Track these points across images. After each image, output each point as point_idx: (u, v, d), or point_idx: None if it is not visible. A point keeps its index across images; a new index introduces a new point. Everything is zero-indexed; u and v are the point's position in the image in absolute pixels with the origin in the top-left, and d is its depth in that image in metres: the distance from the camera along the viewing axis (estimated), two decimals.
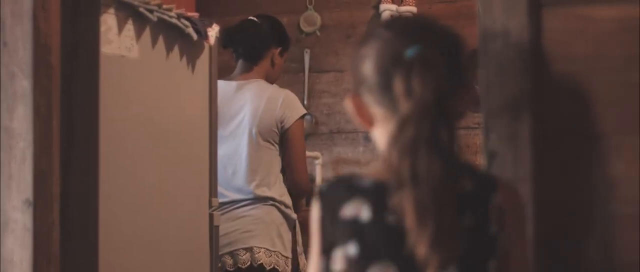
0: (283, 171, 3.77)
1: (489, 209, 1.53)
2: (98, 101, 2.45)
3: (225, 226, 3.53)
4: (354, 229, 1.56)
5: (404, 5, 4.85)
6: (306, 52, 5.18)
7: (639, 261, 1.66)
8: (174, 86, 2.83)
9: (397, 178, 1.50)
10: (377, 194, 1.56)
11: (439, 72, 1.52)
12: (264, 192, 3.64)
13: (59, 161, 2.29)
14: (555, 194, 1.72)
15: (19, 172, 2.20)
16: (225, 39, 3.46)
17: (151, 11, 2.64)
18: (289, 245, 3.66)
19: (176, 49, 2.83)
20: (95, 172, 2.44)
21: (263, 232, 3.62)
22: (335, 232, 1.58)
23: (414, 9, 4.86)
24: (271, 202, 3.66)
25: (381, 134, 1.62)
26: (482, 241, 1.53)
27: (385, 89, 1.57)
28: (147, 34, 2.68)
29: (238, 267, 3.60)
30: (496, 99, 1.75)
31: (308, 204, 3.94)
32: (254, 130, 3.65)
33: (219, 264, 3.37)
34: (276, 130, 3.67)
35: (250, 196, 3.66)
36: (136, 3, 2.61)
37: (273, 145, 3.70)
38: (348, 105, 1.65)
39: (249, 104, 3.70)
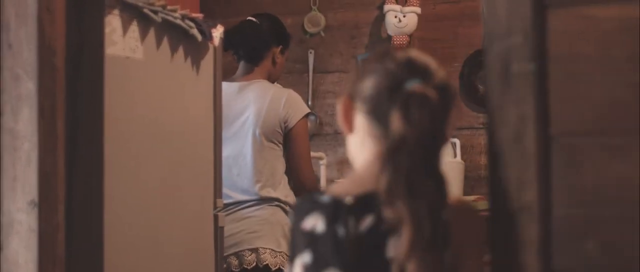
0: (288, 171, 3.77)
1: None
2: (103, 102, 2.45)
3: (230, 226, 3.53)
4: (310, 239, 1.74)
5: (408, 5, 4.85)
6: (310, 52, 5.18)
7: None
8: (178, 87, 2.84)
9: (388, 195, 1.65)
10: (332, 209, 1.74)
11: (434, 103, 1.69)
12: (269, 193, 3.64)
13: (64, 162, 2.29)
14: (561, 195, 1.72)
15: (23, 174, 2.20)
16: (225, 41, 3.46)
17: (156, 12, 2.64)
18: None
19: (181, 50, 2.83)
20: (100, 174, 2.44)
21: (268, 233, 3.62)
22: (299, 242, 1.77)
23: (418, 9, 4.86)
24: (276, 203, 3.66)
25: (358, 144, 1.83)
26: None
27: (380, 111, 1.75)
28: (151, 35, 2.68)
29: (243, 268, 3.60)
30: (500, 100, 1.75)
31: None
32: (257, 131, 3.65)
33: (224, 265, 3.37)
34: (280, 131, 3.67)
35: (256, 197, 3.66)
36: (141, 4, 2.61)
37: (277, 145, 3.70)
38: (340, 103, 1.84)
39: (252, 104, 3.70)
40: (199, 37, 2.85)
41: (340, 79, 5.14)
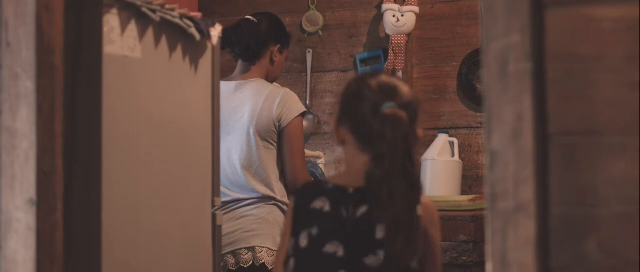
0: (282, 170, 3.78)
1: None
2: (101, 101, 2.45)
3: (227, 225, 3.54)
4: (318, 217, 2.28)
5: (406, 5, 4.85)
6: (308, 52, 5.19)
7: None
8: (176, 86, 2.84)
9: (376, 196, 2.19)
10: (336, 194, 2.28)
11: (405, 123, 2.19)
12: (266, 191, 3.65)
13: (63, 161, 2.30)
14: (558, 194, 1.72)
15: (22, 172, 2.20)
16: (222, 40, 3.47)
17: (154, 11, 2.65)
18: None
19: (179, 49, 2.83)
20: (98, 172, 2.44)
21: (265, 232, 3.63)
22: (306, 219, 2.29)
23: (416, 8, 4.86)
24: (273, 201, 3.67)
25: (349, 154, 2.34)
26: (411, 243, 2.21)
27: (363, 130, 2.26)
28: (150, 33, 2.69)
29: (240, 266, 3.61)
30: (498, 99, 1.76)
31: None
32: (252, 130, 3.66)
33: (221, 264, 3.37)
34: (274, 130, 3.68)
35: (252, 196, 3.67)
36: (139, 3, 2.61)
37: (272, 144, 3.71)
38: (332, 123, 2.37)
39: (248, 103, 3.71)
40: (198, 36, 2.86)
41: (339, 78, 5.15)
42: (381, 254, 2.21)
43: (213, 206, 3.02)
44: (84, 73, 2.42)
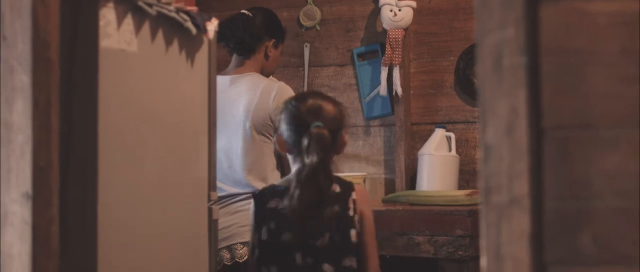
0: (278, 164, 3.78)
1: (349, 201, 2.91)
2: (97, 95, 2.46)
3: (222, 220, 3.54)
4: (274, 214, 2.91)
5: None
6: (306, 46, 5.19)
7: (638, 254, 1.66)
8: (173, 80, 2.84)
9: (302, 193, 2.80)
10: (286, 194, 2.86)
11: (327, 139, 2.83)
12: (262, 186, 3.65)
13: (58, 154, 2.30)
14: (553, 188, 1.72)
15: (17, 166, 2.21)
16: (217, 34, 3.47)
17: (150, 5, 2.65)
18: None
19: (175, 43, 2.83)
20: (94, 166, 2.44)
21: None
22: (265, 217, 2.92)
23: (413, 3, 4.86)
24: None
25: (291, 160, 2.98)
26: (344, 219, 2.87)
27: (296, 142, 2.88)
28: (146, 27, 2.69)
29: (236, 261, 3.61)
30: (492, 93, 1.76)
31: None
32: (248, 124, 3.66)
33: (217, 258, 3.38)
34: (270, 123, 3.69)
35: (248, 190, 3.67)
36: None
37: (268, 138, 3.71)
38: (276, 137, 3.00)
39: (243, 97, 3.71)
40: (194, 30, 2.85)
41: (336, 72, 5.15)
42: (327, 235, 2.85)
43: (209, 200, 3.02)
44: (80, 67, 2.42)
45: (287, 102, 2.96)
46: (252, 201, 3.01)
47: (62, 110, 2.33)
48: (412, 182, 4.88)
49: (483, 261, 1.78)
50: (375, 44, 5.05)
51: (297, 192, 2.78)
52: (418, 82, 4.99)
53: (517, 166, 1.73)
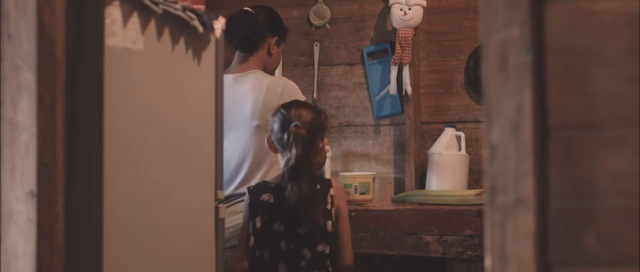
0: None
1: (327, 196, 3.42)
2: (102, 93, 2.45)
3: (228, 219, 3.54)
4: (266, 206, 3.43)
5: None
6: (316, 45, 5.18)
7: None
8: (179, 79, 2.83)
9: (298, 187, 3.33)
10: (277, 190, 3.45)
11: (304, 138, 3.35)
12: None
13: (63, 153, 2.30)
14: (558, 188, 1.71)
15: (22, 164, 2.20)
16: None
17: (156, 3, 2.64)
18: None
19: (182, 42, 2.83)
20: (99, 165, 2.44)
21: None
22: (258, 208, 3.44)
23: (423, 2, 4.85)
24: None
25: (279, 158, 3.50)
26: (322, 212, 3.40)
27: (281, 140, 3.40)
28: (152, 26, 2.68)
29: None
30: (497, 92, 1.75)
31: None
32: (255, 123, 3.66)
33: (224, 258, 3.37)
34: None
35: None
36: None
37: None
38: (266, 138, 3.52)
39: (249, 96, 3.71)
40: (200, 28, 2.85)
41: (346, 71, 5.14)
42: (308, 225, 3.37)
43: (216, 199, 3.01)
44: (85, 65, 2.42)
45: (277, 109, 3.47)
46: (246, 193, 3.50)
47: (68, 108, 2.33)
48: (421, 181, 4.87)
49: (487, 261, 1.77)
50: (385, 42, 5.04)
51: (294, 186, 3.33)
52: (428, 81, 4.98)
53: (523, 165, 1.72)
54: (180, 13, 2.76)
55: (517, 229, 1.72)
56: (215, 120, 3.02)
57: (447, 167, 4.69)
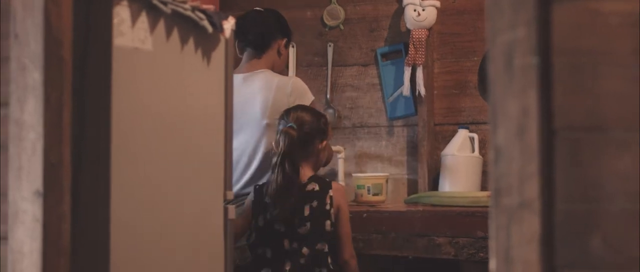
0: None
1: (327, 197, 3.54)
2: (110, 93, 2.45)
3: None
4: (268, 207, 3.53)
5: None
6: (329, 45, 5.17)
7: None
8: (188, 79, 2.83)
9: (276, 178, 3.50)
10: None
11: (292, 138, 3.51)
12: None
13: (70, 153, 2.30)
14: (563, 190, 1.70)
15: (29, 164, 2.20)
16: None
17: (165, 3, 2.64)
18: None
19: (191, 42, 2.82)
20: (106, 165, 2.44)
21: None
22: (261, 208, 3.55)
23: (437, 3, 4.84)
24: None
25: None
26: (321, 212, 3.53)
27: (277, 141, 3.53)
28: (161, 26, 2.67)
29: (247, 262, 3.60)
30: (503, 93, 1.74)
31: None
32: (264, 122, 3.66)
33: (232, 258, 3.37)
34: None
35: None
36: None
37: None
38: (274, 141, 3.65)
39: (258, 95, 3.71)
40: (210, 28, 2.84)
41: (359, 72, 5.13)
42: (308, 224, 3.50)
43: (225, 199, 3.00)
44: (93, 65, 2.42)
45: (283, 113, 3.64)
46: (252, 191, 3.64)
47: (75, 108, 2.33)
48: (434, 183, 4.85)
49: (492, 264, 1.76)
50: (398, 43, 5.03)
51: (272, 178, 3.49)
52: (441, 82, 4.97)
53: (528, 167, 1.71)
54: (189, 13, 2.75)
55: (522, 232, 1.71)
56: (224, 121, 3.02)
57: (460, 169, 4.67)
